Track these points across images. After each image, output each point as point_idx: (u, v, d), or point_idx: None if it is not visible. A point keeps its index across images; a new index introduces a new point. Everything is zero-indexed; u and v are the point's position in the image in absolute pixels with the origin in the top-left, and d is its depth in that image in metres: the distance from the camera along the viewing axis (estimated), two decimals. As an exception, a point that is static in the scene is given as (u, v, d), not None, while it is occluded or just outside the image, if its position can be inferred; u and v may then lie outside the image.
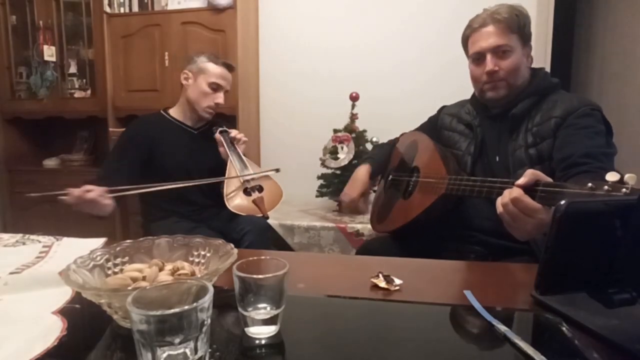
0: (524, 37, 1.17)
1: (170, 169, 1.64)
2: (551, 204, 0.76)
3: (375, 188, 1.64)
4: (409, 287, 0.75)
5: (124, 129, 1.73)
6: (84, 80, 2.77)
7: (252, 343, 0.56)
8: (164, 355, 0.43)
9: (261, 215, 1.58)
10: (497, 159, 1.19)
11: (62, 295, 0.69)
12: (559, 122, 1.08)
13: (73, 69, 2.77)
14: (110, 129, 2.49)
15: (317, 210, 2.47)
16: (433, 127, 1.42)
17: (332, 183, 2.36)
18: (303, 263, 0.92)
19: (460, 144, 1.28)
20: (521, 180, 0.80)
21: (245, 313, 0.56)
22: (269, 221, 1.68)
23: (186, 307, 0.43)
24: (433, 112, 1.47)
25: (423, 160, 1.32)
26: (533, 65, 1.24)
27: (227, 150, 1.67)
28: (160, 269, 0.65)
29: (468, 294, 0.70)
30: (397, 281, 0.76)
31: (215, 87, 1.69)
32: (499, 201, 0.82)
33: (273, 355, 0.55)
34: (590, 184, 0.69)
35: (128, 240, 0.71)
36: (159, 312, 0.42)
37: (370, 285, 0.76)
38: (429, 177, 1.24)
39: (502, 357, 0.56)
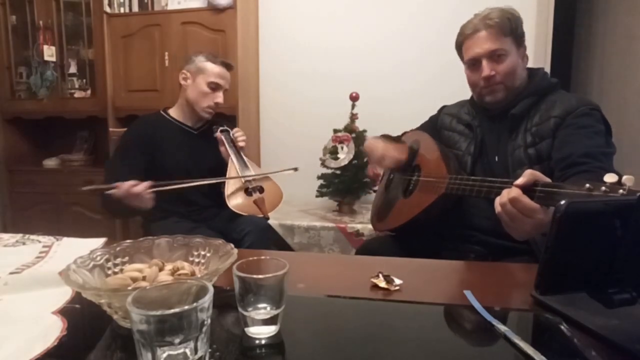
0: (518, 38, 1.17)
1: (170, 169, 1.64)
2: (549, 204, 0.76)
3: (376, 188, 1.64)
4: (409, 287, 0.75)
5: (125, 130, 1.73)
6: (84, 80, 2.78)
7: (252, 343, 0.56)
8: (164, 355, 0.43)
9: (262, 215, 1.58)
10: (497, 158, 1.19)
11: (62, 295, 0.69)
12: (558, 122, 1.08)
13: (73, 69, 2.77)
14: (110, 129, 2.48)
15: (317, 210, 2.48)
16: (434, 126, 1.42)
17: (332, 183, 2.36)
18: (303, 263, 0.92)
19: (460, 144, 1.28)
20: (520, 181, 0.80)
21: (245, 313, 0.56)
22: (269, 221, 1.68)
23: (186, 307, 0.43)
24: (433, 112, 1.47)
25: (424, 159, 1.32)
26: (533, 65, 1.24)
27: (228, 150, 1.68)
28: (160, 269, 0.65)
29: (468, 293, 0.70)
30: (397, 281, 0.76)
31: (214, 87, 1.69)
32: (498, 201, 0.83)
33: (273, 355, 0.55)
34: (588, 185, 0.69)
35: (128, 240, 0.71)
36: (159, 312, 0.42)
37: (370, 285, 0.76)
38: (430, 176, 1.24)
39: (502, 357, 0.56)
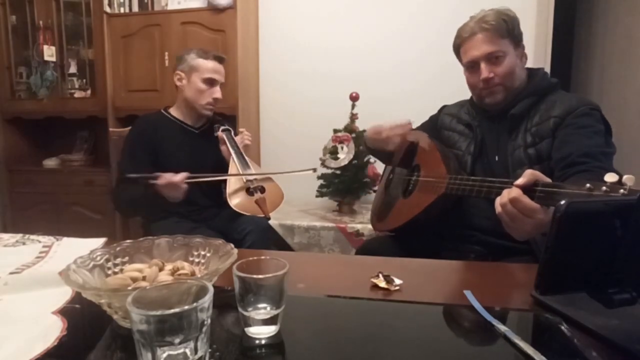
0: (515, 39, 1.17)
1: (171, 168, 1.64)
2: (550, 204, 0.76)
3: (376, 188, 1.63)
4: (408, 287, 0.75)
5: (128, 130, 1.74)
6: (84, 80, 2.78)
7: (252, 343, 0.56)
8: (164, 355, 0.43)
9: (263, 215, 1.58)
10: (497, 158, 1.19)
11: (62, 295, 0.69)
12: (558, 122, 1.08)
13: (73, 69, 2.77)
14: (110, 129, 2.48)
15: (317, 210, 2.48)
16: (434, 126, 1.42)
17: (332, 183, 2.36)
18: (303, 263, 0.92)
19: (460, 144, 1.28)
20: (520, 181, 0.80)
21: (245, 313, 0.56)
22: (269, 221, 1.68)
23: (186, 307, 0.43)
24: (433, 112, 1.47)
25: (424, 159, 1.32)
26: (533, 65, 1.24)
27: (230, 149, 1.68)
28: (160, 269, 0.65)
29: (468, 293, 0.70)
30: (397, 281, 0.76)
31: (210, 82, 1.69)
32: (498, 201, 0.83)
33: (273, 355, 0.55)
34: (588, 185, 0.69)
35: (128, 240, 0.71)
36: (159, 312, 0.42)
37: (370, 285, 0.76)
38: (430, 176, 1.24)
39: (502, 357, 0.56)
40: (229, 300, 0.61)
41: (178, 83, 1.72)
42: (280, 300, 0.56)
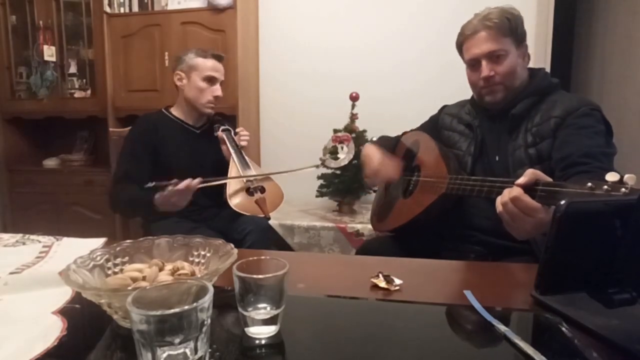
0: (518, 38, 1.17)
1: (171, 168, 1.64)
2: (551, 204, 0.76)
3: (376, 188, 1.63)
4: (408, 287, 0.75)
5: (128, 129, 1.74)
6: (84, 80, 2.78)
7: (252, 343, 0.56)
8: (164, 355, 0.43)
9: (263, 215, 1.58)
10: (497, 158, 1.19)
11: (62, 295, 0.69)
12: (559, 122, 1.08)
13: (73, 69, 2.77)
14: (110, 129, 2.48)
15: (317, 210, 2.48)
16: (434, 126, 1.42)
17: (332, 183, 2.36)
18: (303, 263, 0.92)
19: (461, 144, 1.28)
20: (521, 180, 0.80)
21: (245, 313, 0.56)
22: (269, 221, 1.68)
23: (186, 307, 0.43)
24: (433, 112, 1.47)
25: (424, 159, 1.32)
26: (533, 65, 1.24)
27: (230, 149, 1.68)
28: (160, 269, 0.65)
29: (468, 293, 0.70)
30: (397, 281, 0.76)
31: (210, 80, 1.69)
32: (499, 200, 0.83)
33: (273, 355, 0.55)
34: (589, 184, 0.69)
35: (128, 240, 0.71)
36: (159, 312, 0.42)
37: (370, 285, 0.76)
38: (430, 176, 1.24)
39: (502, 357, 0.56)
40: (229, 300, 0.61)
41: (178, 83, 1.72)
42: (280, 300, 0.56)
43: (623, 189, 0.64)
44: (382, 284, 0.75)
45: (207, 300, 0.45)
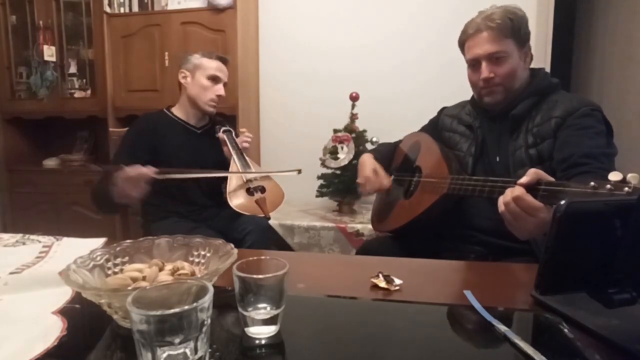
0: (520, 40, 1.15)
1: (171, 167, 1.64)
2: (553, 203, 0.76)
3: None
4: (408, 287, 0.75)
5: (129, 127, 1.74)
6: (84, 80, 2.78)
7: (252, 343, 0.56)
8: (164, 355, 0.43)
9: (263, 215, 1.58)
10: (498, 159, 1.19)
11: (62, 295, 0.69)
12: (559, 123, 1.07)
13: (73, 69, 2.77)
14: (110, 129, 2.48)
15: (317, 210, 2.48)
16: (434, 128, 1.42)
17: (332, 183, 2.36)
18: (303, 263, 0.92)
19: (461, 145, 1.28)
20: (523, 179, 0.80)
21: (245, 313, 0.56)
22: (269, 221, 1.68)
23: (186, 307, 0.43)
24: (433, 112, 1.47)
25: (425, 160, 1.32)
26: (533, 65, 1.23)
27: (231, 150, 1.68)
28: (160, 269, 0.65)
29: (468, 293, 0.70)
30: (397, 281, 0.76)
31: (214, 79, 1.71)
32: (501, 200, 0.82)
33: (273, 355, 0.55)
34: (592, 183, 0.69)
35: (128, 240, 0.71)
36: (159, 312, 0.42)
37: (370, 285, 0.76)
38: (431, 176, 1.24)
39: (502, 357, 0.56)
40: (229, 300, 0.61)
41: (182, 81, 1.73)
42: (280, 300, 0.56)
43: (626, 188, 0.64)
44: (382, 284, 0.75)
45: (207, 300, 0.45)
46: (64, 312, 0.64)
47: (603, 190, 0.67)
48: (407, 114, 2.31)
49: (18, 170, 2.82)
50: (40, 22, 2.65)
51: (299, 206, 2.52)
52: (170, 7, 2.50)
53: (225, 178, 1.65)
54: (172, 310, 0.42)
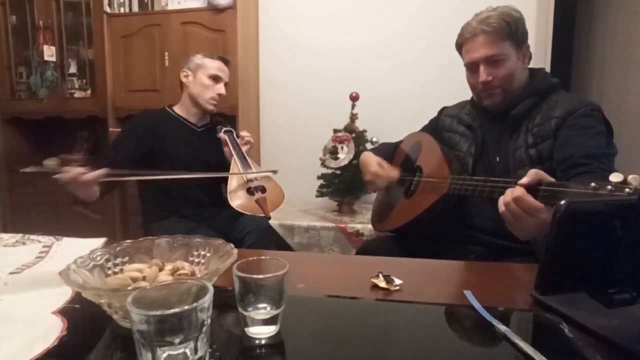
0: (517, 41, 1.15)
1: (170, 163, 1.65)
2: (553, 204, 0.75)
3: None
4: (409, 287, 0.75)
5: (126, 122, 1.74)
6: (84, 80, 2.78)
7: (252, 343, 0.56)
8: (164, 355, 0.43)
9: (263, 215, 1.58)
10: (498, 159, 1.19)
11: (62, 295, 0.69)
12: (559, 123, 1.07)
13: (73, 69, 2.77)
14: (110, 129, 2.49)
15: (317, 210, 2.48)
16: (434, 129, 1.42)
17: (332, 183, 2.36)
18: (303, 263, 0.92)
19: (461, 145, 1.28)
20: (524, 180, 0.80)
21: (245, 313, 0.56)
22: (269, 221, 1.68)
23: (186, 307, 0.43)
24: (433, 112, 1.47)
25: (426, 160, 1.32)
26: (533, 66, 1.23)
27: (232, 150, 1.69)
28: (160, 269, 0.65)
29: (468, 293, 0.70)
30: (397, 281, 0.76)
31: (215, 78, 1.72)
32: (502, 200, 0.82)
33: (273, 355, 0.55)
34: (593, 184, 0.69)
35: (128, 240, 0.71)
36: (159, 312, 0.42)
37: (370, 285, 0.76)
38: (432, 176, 1.24)
39: (502, 357, 0.56)
40: (229, 300, 0.61)
41: (184, 80, 1.74)
42: (280, 300, 0.56)
43: (627, 190, 0.64)
44: (382, 284, 0.75)
45: (207, 300, 0.45)
46: (64, 312, 0.64)
47: (604, 191, 0.67)
48: (407, 114, 2.31)
49: (18, 170, 2.82)
50: (40, 22, 2.65)
51: (299, 206, 2.52)
52: (170, 7, 2.50)
53: (226, 178, 1.65)
54: (172, 310, 0.42)
